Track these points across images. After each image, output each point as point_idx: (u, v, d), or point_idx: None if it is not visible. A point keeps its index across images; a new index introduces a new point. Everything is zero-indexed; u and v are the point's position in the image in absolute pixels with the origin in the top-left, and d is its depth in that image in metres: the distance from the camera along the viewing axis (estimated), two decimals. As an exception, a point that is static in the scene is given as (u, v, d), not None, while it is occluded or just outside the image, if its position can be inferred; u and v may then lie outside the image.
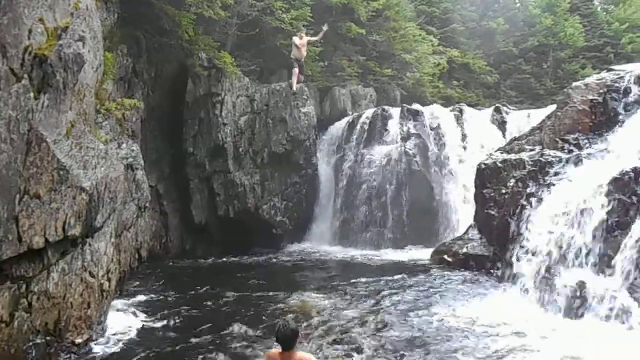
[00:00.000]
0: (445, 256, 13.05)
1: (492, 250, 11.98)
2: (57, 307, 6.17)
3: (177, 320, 8.33)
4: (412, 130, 17.80)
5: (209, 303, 9.48)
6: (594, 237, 8.15)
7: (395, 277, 11.75)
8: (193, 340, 7.27)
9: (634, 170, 8.45)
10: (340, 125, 19.29)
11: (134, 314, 8.70)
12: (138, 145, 11.39)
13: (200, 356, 6.31)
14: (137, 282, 10.64)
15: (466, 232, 13.62)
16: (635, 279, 7.11)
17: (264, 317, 8.36)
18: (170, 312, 8.78)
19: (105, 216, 7.12)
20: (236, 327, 7.76)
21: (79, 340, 6.46)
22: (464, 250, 12.70)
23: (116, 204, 7.72)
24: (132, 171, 9.97)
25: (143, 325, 7.95)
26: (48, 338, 6.07)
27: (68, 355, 6.23)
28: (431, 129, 17.73)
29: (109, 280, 7.27)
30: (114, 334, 7.35)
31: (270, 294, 10.38)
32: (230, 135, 16.13)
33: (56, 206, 6.06)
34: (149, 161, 13.79)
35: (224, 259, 14.69)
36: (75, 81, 6.75)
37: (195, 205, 16.04)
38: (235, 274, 12.97)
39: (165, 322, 8.30)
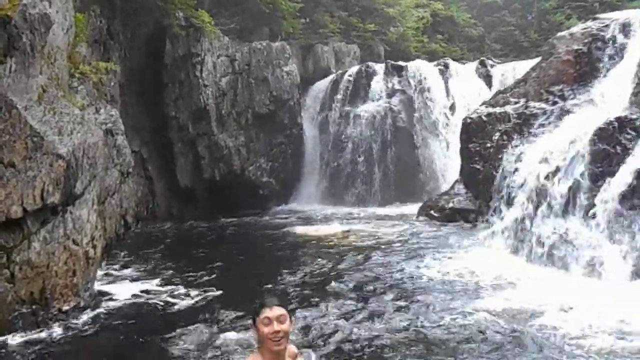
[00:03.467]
0: (432, 211, 13.15)
1: (478, 204, 12.08)
2: (42, 276, 6.10)
3: (167, 285, 8.31)
4: (397, 87, 17.64)
5: (198, 267, 9.47)
6: (578, 187, 8.19)
7: (382, 231, 11.87)
8: (183, 304, 7.27)
9: (618, 120, 8.43)
10: (324, 84, 19.02)
11: (123, 279, 8.69)
12: (117, 109, 11.10)
13: (188, 322, 6.30)
14: (126, 249, 10.58)
15: (452, 187, 13.68)
16: (615, 228, 7.20)
17: (253, 280, 8.38)
18: (160, 277, 8.77)
19: (86, 183, 6.96)
20: (225, 292, 7.78)
21: (66, 308, 6.42)
22: (450, 205, 12.79)
23: (96, 170, 7.55)
24: (112, 136, 9.73)
25: (132, 291, 7.92)
26: (34, 307, 6.03)
27: (56, 323, 6.21)
28: (416, 84, 17.55)
29: (94, 247, 7.18)
30: (103, 301, 7.33)
31: (261, 253, 10.44)
32: (212, 97, 15.81)
33: (32, 174, 5.90)
34: (130, 126, 13.46)
35: (212, 222, 14.65)
36: (44, 43, 6.46)
37: (180, 169, 15.88)
38: (223, 236, 12.98)
39: (154, 287, 8.29)
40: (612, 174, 7.83)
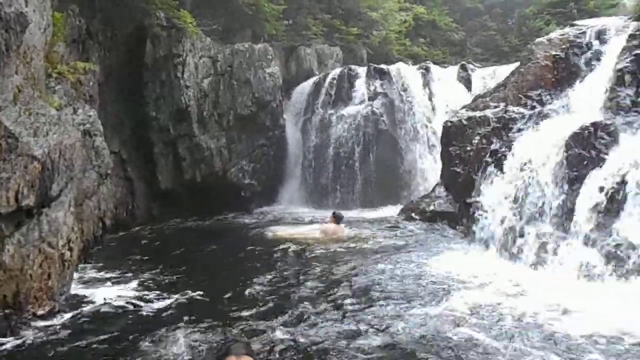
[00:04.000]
0: (413, 214, 13.24)
1: (458, 207, 12.20)
2: (15, 279, 5.98)
3: (145, 289, 8.20)
4: (379, 90, 17.73)
5: (178, 270, 9.39)
6: (554, 190, 8.33)
7: (364, 234, 11.91)
8: (161, 308, 7.18)
9: (594, 124, 8.60)
10: (306, 86, 19.04)
11: (101, 283, 8.57)
12: (96, 110, 10.94)
13: (166, 327, 6.23)
14: (104, 251, 10.44)
15: (433, 190, 13.80)
16: (591, 230, 7.34)
17: (232, 283, 8.33)
18: (138, 281, 8.66)
19: (62, 185, 6.86)
20: (203, 296, 7.72)
21: (41, 312, 6.31)
22: (431, 207, 12.90)
23: (73, 171, 7.44)
24: (91, 137, 9.61)
25: (110, 294, 7.79)
26: (7, 311, 5.91)
27: (30, 328, 6.10)
28: (398, 87, 17.66)
29: (70, 250, 7.07)
30: (79, 305, 7.22)
31: (240, 256, 10.38)
32: (194, 98, 15.70)
33: (6, 176, 5.79)
34: (110, 126, 13.34)
35: (193, 224, 14.56)
36: (20, 43, 6.35)
37: (161, 170, 15.73)
38: (204, 239, 12.88)
39: (132, 290, 8.18)
40: (587, 177, 7.98)
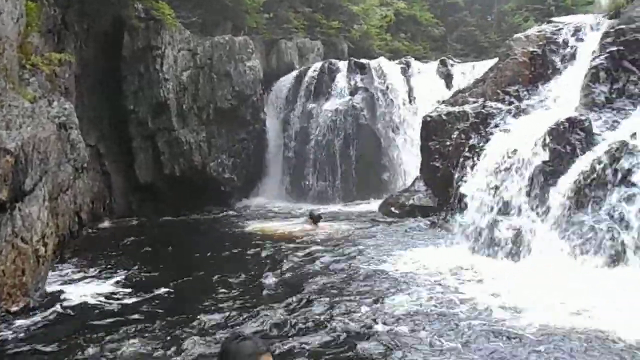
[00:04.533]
0: (392, 208, 13.33)
1: (437, 201, 12.33)
2: (-12, 275, 5.87)
3: (122, 286, 8.09)
4: (360, 84, 17.76)
5: (155, 266, 9.30)
6: (531, 185, 8.47)
7: (343, 227, 11.96)
8: (138, 306, 7.07)
9: (569, 120, 8.75)
10: (287, 80, 18.96)
11: (76, 279, 8.44)
12: (72, 102, 10.77)
13: (143, 325, 6.16)
14: (80, 247, 10.28)
15: (413, 184, 13.91)
16: (566, 224, 7.49)
17: (209, 280, 8.27)
18: (115, 277, 8.53)
19: (36, 179, 6.74)
20: (181, 292, 7.67)
21: (14, 309, 6.20)
22: (410, 201, 13.01)
23: (48, 165, 7.32)
24: (66, 130, 9.47)
25: (86, 292, 7.66)
26: (-20, 308, 5.81)
27: (3, 324, 5.99)
28: (378, 82, 17.71)
29: (44, 245, 6.95)
30: (54, 302, 7.09)
31: (218, 252, 10.32)
32: (173, 91, 15.53)
33: (-22, 170, 5.67)
34: (87, 119, 13.12)
35: (172, 219, 14.41)
36: (-9, 33, 6.20)
37: (140, 164, 15.54)
38: (183, 234, 12.80)
39: (109, 287, 8.06)
40: (563, 172, 8.13)
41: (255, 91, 17.03)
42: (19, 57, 8.30)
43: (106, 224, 13.85)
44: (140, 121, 15.37)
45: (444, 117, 12.78)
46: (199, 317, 6.30)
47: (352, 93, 17.60)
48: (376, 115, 17.30)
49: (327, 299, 6.83)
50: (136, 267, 9.17)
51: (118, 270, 8.94)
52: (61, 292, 7.50)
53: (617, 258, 6.98)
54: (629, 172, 7.50)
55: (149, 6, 14.77)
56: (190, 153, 15.76)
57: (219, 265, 9.15)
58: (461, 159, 10.87)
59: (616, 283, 6.48)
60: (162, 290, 7.68)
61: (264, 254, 9.72)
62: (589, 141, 8.44)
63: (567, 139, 8.45)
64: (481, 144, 10.38)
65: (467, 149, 10.84)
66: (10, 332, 5.93)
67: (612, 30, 9.76)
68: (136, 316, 6.61)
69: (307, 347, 5.39)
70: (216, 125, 16.41)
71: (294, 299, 6.89)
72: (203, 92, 16.12)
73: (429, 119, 13.22)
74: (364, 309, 6.36)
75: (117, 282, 8.31)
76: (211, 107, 16.25)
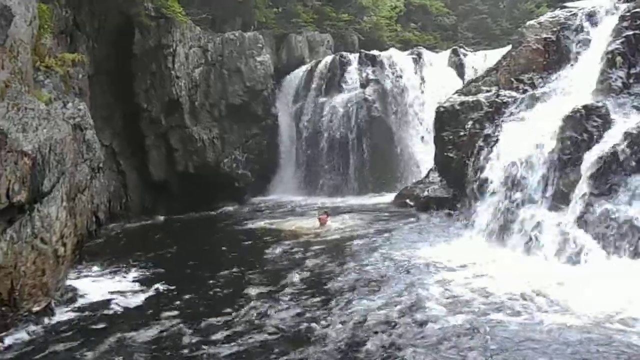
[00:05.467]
0: (408, 200, 13.28)
1: (452, 192, 12.23)
2: (9, 276, 5.93)
3: (141, 284, 8.17)
4: (371, 76, 17.67)
5: (172, 264, 9.39)
6: (547, 174, 8.35)
7: (358, 222, 11.93)
8: (157, 304, 7.14)
9: (585, 107, 8.59)
10: (298, 74, 18.94)
11: (96, 277, 8.54)
12: (86, 103, 10.84)
13: (162, 322, 6.21)
14: (99, 245, 10.40)
15: (427, 176, 13.83)
16: (584, 213, 7.37)
17: (228, 278, 8.31)
18: (133, 275, 8.62)
19: (54, 180, 6.80)
20: (198, 289, 7.71)
21: (36, 308, 6.28)
22: (425, 193, 12.93)
23: (65, 166, 7.37)
24: (81, 131, 9.52)
25: (106, 289, 7.77)
26: (3, 308, 5.88)
27: (27, 324, 6.08)
28: (390, 74, 17.59)
29: (63, 245, 7.02)
30: (75, 300, 7.20)
31: (234, 245, 10.37)
32: (185, 88, 15.59)
33: (-3, 172, 5.73)
34: (101, 118, 13.23)
35: (186, 215, 14.52)
36: (5, 37, 6.25)
37: (153, 162, 15.65)
38: (198, 230, 12.89)
39: (128, 285, 8.15)
40: (580, 160, 7.99)
41: (266, 86, 17.03)
42: (33, 59, 8.37)
43: (122, 222, 13.99)
44: (153, 119, 15.46)
45: (458, 107, 12.64)
46: (218, 313, 6.34)
47: (364, 85, 17.52)
48: (388, 107, 17.21)
49: (347, 296, 6.81)
50: (152, 264, 9.28)
51: (135, 268, 9.05)
52: (81, 290, 7.61)
53: (635, 248, 6.85)
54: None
55: (159, 4, 14.82)
56: (203, 150, 15.83)
57: (233, 263, 9.17)
58: (476, 149, 10.76)
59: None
60: (176, 287, 7.73)
61: (277, 251, 9.69)
62: (607, 127, 8.27)
63: (584, 126, 8.30)
64: (496, 134, 10.25)
65: (481, 139, 10.72)
66: (33, 331, 6.03)
67: (628, 14, 9.54)
68: (154, 312, 6.68)
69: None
70: (228, 122, 16.47)
71: (317, 296, 6.88)
72: (214, 88, 16.17)
73: (442, 109, 13.08)
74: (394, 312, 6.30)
75: (135, 279, 8.41)
76: (223, 104, 16.30)
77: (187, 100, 15.61)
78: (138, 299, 7.35)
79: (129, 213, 14.68)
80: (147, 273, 8.73)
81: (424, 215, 11.82)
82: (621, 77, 9.18)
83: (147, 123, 15.56)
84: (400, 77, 17.46)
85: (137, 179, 15.49)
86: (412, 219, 11.62)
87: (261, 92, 16.92)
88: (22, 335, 5.90)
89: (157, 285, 7.88)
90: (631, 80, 9.10)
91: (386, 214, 12.73)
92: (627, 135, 7.75)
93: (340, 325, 5.77)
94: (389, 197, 14.48)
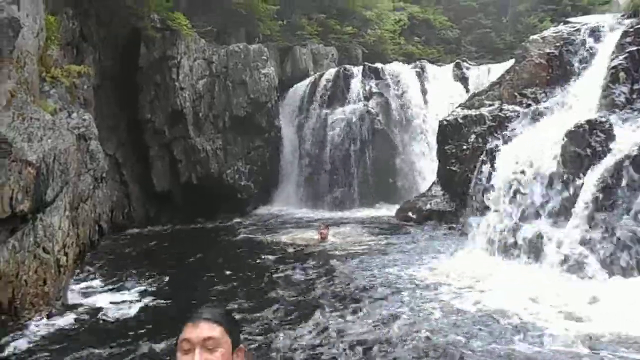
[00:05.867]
0: (410, 213, 13.25)
1: (454, 206, 12.22)
2: (11, 285, 5.96)
3: (142, 295, 8.14)
4: (375, 89, 17.75)
5: (174, 276, 9.34)
6: (550, 189, 8.33)
7: (360, 235, 11.90)
8: (160, 317, 7.12)
9: (589, 122, 8.59)
10: (302, 86, 19.03)
11: (98, 288, 8.53)
12: (91, 113, 10.92)
13: (165, 335, 6.19)
14: (101, 255, 10.41)
15: (430, 189, 13.82)
16: (587, 230, 7.34)
17: (229, 291, 8.28)
18: (136, 286, 8.59)
19: (57, 190, 6.84)
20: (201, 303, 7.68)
21: (37, 318, 6.29)
22: (428, 206, 12.92)
23: (69, 176, 7.42)
24: (85, 141, 9.58)
25: (107, 300, 7.74)
26: (4, 317, 5.89)
27: (27, 333, 6.07)
28: (393, 87, 17.68)
29: (65, 255, 7.05)
30: (76, 310, 7.17)
31: (236, 258, 10.35)
32: (189, 99, 15.68)
33: (0, 182, 5.77)
34: (105, 128, 13.30)
35: (189, 227, 14.52)
36: (12, 48, 6.33)
37: (157, 172, 15.70)
38: (200, 243, 12.86)
39: (130, 296, 8.12)
40: (583, 175, 7.97)
41: (270, 98, 17.12)
42: (39, 70, 8.46)
43: (125, 232, 14.00)
44: (157, 130, 15.54)
45: (460, 120, 12.69)
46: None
47: (367, 98, 17.60)
48: (392, 120, 17.26)
49: (349, 313, 6.77)
50: (155, 275, 9.24)
51: (137, 278, 9.02)
52: (83, 300, 7.60)
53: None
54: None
55: (164, 16, 14.96)
56: (206, 161, 15.88)
57: (233, 275, 9.11)
58: (478, 163, 10.75)
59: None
60: (179, 298, 7.71)
61: (276, 264, 9.63)
62: (610, 143, 8.27)
63: (588, 141, 8.28)
64: (499, 148, 10.25)
65: (484, 153, 10.72)
66: (34, 340, 6.00)
67: (631, 29, 9.58)
68: (155, 324, 6.65)
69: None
70: (232, 133, 16.53)
71: (316, 312, 6.83)
72: (219, 100, 16.26)
73: (445, 122, 13.13)
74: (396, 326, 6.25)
75: (137, 290, 8.36)
76: (227, 115, 16.38)
77: (191, 112, 15.70)
78: (139, 311, 7.30)
79: (131, 223, 14.70)
80: (149, 284, 8.69)
81: (426, 228, 11.80)
82: (624, 93, 9.19)
83: (151, 134, 15.64)
84: (404, 90, 17.54)
85: (140, 189, 15.53)
86: (414, 232, 11.59)
87: (265, 104, 17.01)
88: (22, 344, 5.87)
89: (158, 297, 7.84)
90: (634, 96, 9.12)
91: (388, 226, 12.71)
92: (630, 151, 7.75)
93: (337, 341, 5.73)
94: (391, 210, 14.46)
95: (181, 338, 1.72)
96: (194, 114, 15.79)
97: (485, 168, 10.26)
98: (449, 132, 12.91)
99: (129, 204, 15.07)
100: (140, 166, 15.66)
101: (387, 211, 14.81)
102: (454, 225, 11.46)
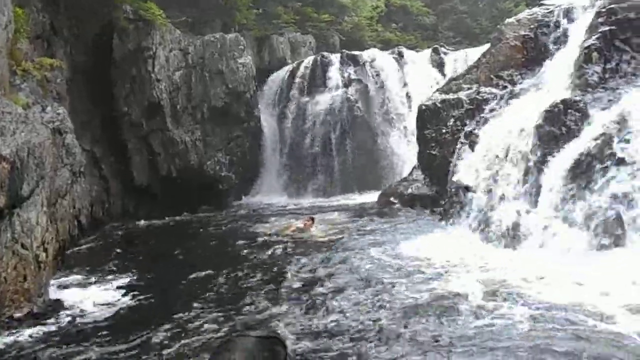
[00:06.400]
0: (391, 198, 13.33)
1: (435, 190, 12.33)
2: (-11, 282, 5.86)
3: (124, 288, 8.06)
4: (353, 76, 17.75)
5: (155, 268, 9.28)
6: (527, 169, 8.47)
7: (343, 222, 11.95)
8: (142, 313, 7.02)
9: (563, 102, 8.75)
10: (280, 75, 18.93)
11: (80, 284, 8.41)
12: (65, 107, 10.73)
13: (146, 332, 6.11)
14: (82, 251, 10.27)
15: (410, 174, 13.91)
16: (563, 207, 7.49)
17: (214, 286, 8.21)
18: (116, 282, 8.45)
19: (33, 184, 6.71)
20: (184, 298, 7.57)
21: (18, 315, 6.19)
22: (409, 191, 13.01)
23: (44, 170, 7.28)
24: (61, 135, 9.41)
25: (89, 296, 7.62)
26: (-17, 315, 5.79)
27: (8, 331, 5.98)
28: (372, 73, 17.69)
29: (45, 251, 6.94)
30: (57, 306, 7.06)
31: (218, 249, 10.30)
32: (166, 91, 15.45)
33: (-26, 178, 5.64)
34: (80, 123, 13.04)
35: (170, 220, 14.39)
36: (-20, 40, 6.15)
37: (136, 166, 15.47)
38: (181, 234, 12.77)
39: (112, 290, 8.02)
40: (559, 154, 8.13)
41: (248, 88, 16.99)
42: (9, 63, 8.26)
43: (105, 228, 13.81)
44: (134, 123, 15.29)
45: (439, 105, 12.78)
46: (202, 320, 6.27)
47: (346, 85, 17.59)
48: (371, 107, 17.30)
49: (333, 299, 6.81)
50: (137, 269, 9.14)
51: (119, 274, 8.90)
52: (64, 296, 7.48)
53: (616, 239, 6.98)
54: (624, 151, 7.49)
55: (137, 7, 14.68)
56: (186, 153, 15.71)
57: (218, 267, 9.04)
58: (457, 146, 10.87)
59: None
60: (162, 293, 7.66)
61: (262, 254, 9.59)
62: (584, 122, 8.43)
63: (563, 121, 8.44)
64: (476, 130, 10.37)
65: (463, 136, 10.84)
66: (14, 338, 5.92)
67: (603, 10, 9.72)
68: (136, 320, 6.60)
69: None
70: (211, 124, 16.38)
71: (304, 297, 6.86)
72: (196, 91, 16.07)
73: (424, 107, 13.21)
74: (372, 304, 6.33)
75: (118, 285, 8.25)
76: (205, 106, 16.21)
77: (168, 104, 15.49)
78: (122, 305, 7.23)
79: (111, 218, 14.50)
80: (131, 279, 8.59)
81: (407, 213, 11.89)
82: (597, 72, 9.36)
83: (128, 127, 15.38)
84: (382, 76, 17.57)
85: (119, 184, 15.30)
86: (396, 217, 11.68)
87: (243, 94, 16.88)
88: (2, 341, 5.79)
89: (140, 292, 7.76)
90: (607, 75, 9.29)
91: (370, 212, 12.77)
92: (604, 129, 7.91)
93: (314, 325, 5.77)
94: (373, 196, 14.52)
95: None
96: (171, 106, 15.57)
97: (464, 150, 10.38)
98: (428, 116, 13.00)
99: (108, 199, 14.85)
100: (119, 161, 15.42)
101: (369, 197, 14.87)
102: (435, 209, 11.56)
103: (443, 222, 10.29)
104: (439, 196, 11.91)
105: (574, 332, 5.03)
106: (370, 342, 5.26)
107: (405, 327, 5.54)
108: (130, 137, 15.38)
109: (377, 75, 17.65)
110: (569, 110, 8.61)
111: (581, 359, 4.51)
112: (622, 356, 4.50)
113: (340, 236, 10.33)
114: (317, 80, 18.00)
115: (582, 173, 7.66)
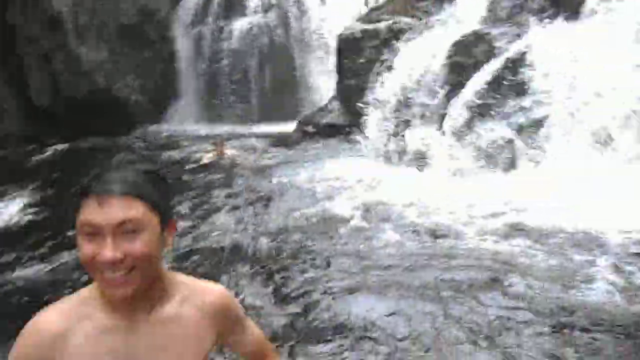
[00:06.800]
0: (308, 127, 13.36)
1: (351, 119, 12.49)
2: None
3: (24, 209, 7.66)
4: (273, 1, 17.09)
5: (59, 191, 8.83)
6: (435, 97, 8.77)
7: (260, 150, 11.91)
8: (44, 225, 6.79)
9: (473, 34, 9.01)
10: (196, -5, 17.79)
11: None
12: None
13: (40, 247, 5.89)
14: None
15: (329, 103, 13.93)
16: (467, 133, 7.91)
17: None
18: (18, 201, 8.02)
19: None
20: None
21: None
22: (325, 120, 13.08)
23: None
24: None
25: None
26: None
27: None
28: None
29: None
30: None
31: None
32: (67, 4, 14.11)
33: None
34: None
35: (75, 144, 13.56)
36: None
37: (35, 87, 14.30)
38: (87, 160, 12.12)
39: (11, 210, 7.61)
40: (466, 84, 8.46)
41: (161, 7, 15.91)
42: None
43: (2, 152, 12.80)
44: (31, 38, 13.97)
45: (358, 35, 12.68)
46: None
47: (266, 10, 16.96)
48: (291, 34, 16.86)
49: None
50: (40, 193, 8.67)
51: (20, 196, 8.41)
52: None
53: (508, 164, 7.53)
54: (525, 82, 7.94)
55: None
56: (92, 74, 14.68)
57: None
58: (372, 75, 10.97)
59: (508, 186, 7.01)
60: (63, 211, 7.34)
61: (176, 180, 9.38)
62: (491, 54, 8.76)
63: (471, 52, 8.73)
64: (391, 60, 10.49)
65: (378, 65, 10.93)
66: None
67: (517, -58, 9.90)
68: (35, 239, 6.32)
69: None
70: (119, 44, 15.30)
71: (219, 214, 6.87)
72: (102, 6, 14.81)
73: (343, 36, 13.07)
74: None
75: (18, 207, 7.83)
76: (112, 24, 15.04)
77: (70, 18, 14.19)
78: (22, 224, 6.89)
79: (7, 142, 13.44)
80: (32, 200, 8.15)
81: (323, 140, 12.02)
82: (506, 7, 9.69)
83: (25, 43, 14.05)
84: (303, 2, 17.06)
85: (16, 105, 14.13)
86: (310, 144, 11.80)
87: (156, 13, 15.85)
88: None
89: (40, 212, 7.41)
90: (516, 10, 9.63)
91: (287, 140, 12.78)
92: (507, 61, 8.29)
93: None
94: (291, 125, 14.48)
95: (81, 220, 1.15)
96: (74, 20, 14.29)
97: (378, 79, 10.51)
98: (347, 46, 12.89)
99: (2, 120, 13.69)
100: (16, 79, 14.16)
101: (287, 126, 14.79)
102: (350, 137, 11.76)
103: (356, 148, 10.52)
104: (354, 125, 12.08)
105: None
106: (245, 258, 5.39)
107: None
108: (28, 54, 14.08)
109: (298, 1, 17.11)
110: (478, 42, 8.89)
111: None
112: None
113: (257, 164, 10.30)
114: (235, 4, 17.17)
115: (484, 103, 8.06)
